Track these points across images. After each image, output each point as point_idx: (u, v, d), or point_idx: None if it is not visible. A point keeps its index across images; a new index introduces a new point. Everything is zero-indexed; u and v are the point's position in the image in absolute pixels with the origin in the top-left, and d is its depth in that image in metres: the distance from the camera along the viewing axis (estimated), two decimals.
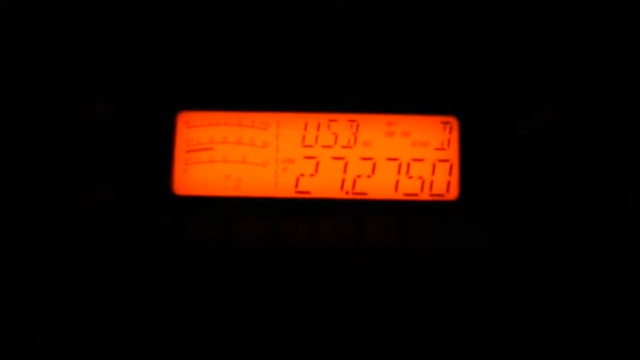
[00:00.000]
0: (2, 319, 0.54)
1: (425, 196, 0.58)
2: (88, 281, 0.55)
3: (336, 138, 0.59)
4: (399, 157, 0.58)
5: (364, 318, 0.55)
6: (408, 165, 0.58)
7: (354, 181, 0.58)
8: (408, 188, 0.58)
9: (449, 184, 0.58)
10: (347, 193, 0.58)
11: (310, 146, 0.59)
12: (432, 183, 0.58)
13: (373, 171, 0.58)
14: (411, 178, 0.58)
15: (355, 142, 0.59)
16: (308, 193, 0.58)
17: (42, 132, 0.57)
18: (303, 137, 0.59)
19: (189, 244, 0.56)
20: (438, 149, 0.58)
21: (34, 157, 0.57)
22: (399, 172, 0.58)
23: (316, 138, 0.59)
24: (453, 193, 0.58)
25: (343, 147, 0.59)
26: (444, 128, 0.58)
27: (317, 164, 0.58)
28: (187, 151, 0.59)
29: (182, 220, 0.57)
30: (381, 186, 0.58)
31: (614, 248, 0.55)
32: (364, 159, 0.58)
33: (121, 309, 0.54)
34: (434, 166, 0.58)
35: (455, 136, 0.58)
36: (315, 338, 0.54)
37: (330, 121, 0.59)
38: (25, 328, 0.54)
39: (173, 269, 0.55)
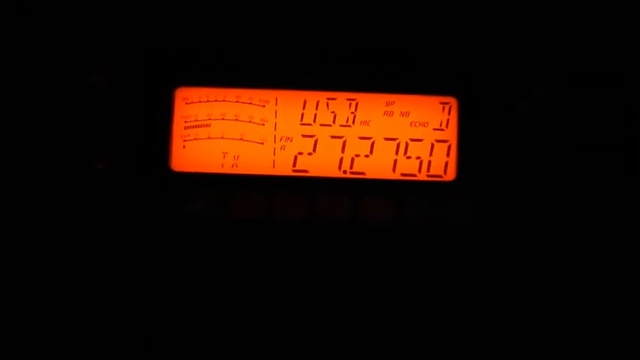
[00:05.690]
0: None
1: (422, 177, 0.58)
2: (84, 255, 0.55)
3: (335, 117, 0.58)
4: (398, 136, 0.58)
5: (358, 296, 0.55)
6: (407, 145, 0.58)
7: (352, 161, 0.58)
8: (406, 168, 0.58)
9: (447, 164, 0.58)
10: (345, 172, 0.58)
11: (309, 124, 0.58)
12: (429, 163, 0.58)
13: (371, 151, 0.58)
14: (409, 158, 0.58)
15: (354, 121, 0.58)
16: (306, 171, 0.58)
17: (38, 104, 0.57)
18: (302, 115, 0.58)
19: (186, 220, 0.56)
20: (436, 129, 0.58)
21: (30, 129, 0.57)
22: (397, 152, 0.58)
23: (315, 116, 0.58)
24: (450, 174, 0.58)
25: (342, 126, 0.58)
26: (443, 109, 0.58)
27: (315, 143, 0.58)
28: (185, 128, 0.58)
29: (179, 196, 0.57)
30: (378, 166, 0.58)
31: (612, 228, 0.55)
32: (362, 138, 0.58)
33: (116, 284, 0.55)
34: (432, 146, 0.58)
35: (454, 117, 0.58)
36: (309, 314, 0.55)
37: (329, 99, 0.58)
38: (24, 298, 0.54)
39: (170, 246, 0.56)
